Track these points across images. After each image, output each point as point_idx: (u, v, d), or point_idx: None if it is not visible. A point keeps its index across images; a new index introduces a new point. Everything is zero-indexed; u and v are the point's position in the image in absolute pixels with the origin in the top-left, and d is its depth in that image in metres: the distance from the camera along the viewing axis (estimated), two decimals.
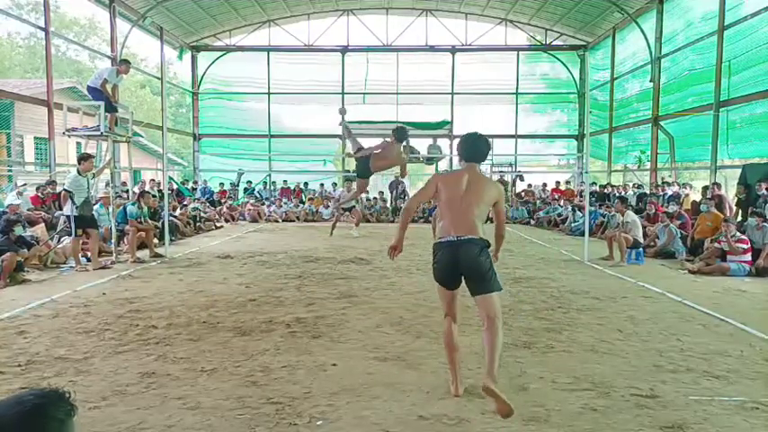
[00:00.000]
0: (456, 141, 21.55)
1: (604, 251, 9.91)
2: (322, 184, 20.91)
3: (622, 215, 9.85)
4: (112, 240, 9.49)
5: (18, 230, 8.13)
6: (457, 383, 3.69)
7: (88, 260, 8.74)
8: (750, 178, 11.03)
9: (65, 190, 8.78)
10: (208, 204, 17.30)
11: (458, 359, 3.76)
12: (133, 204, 10.12)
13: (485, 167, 20.20)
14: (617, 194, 14.84)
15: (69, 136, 10.16)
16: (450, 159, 22.23)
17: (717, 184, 11.77)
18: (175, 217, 13.06)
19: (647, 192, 14.77)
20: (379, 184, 20.07)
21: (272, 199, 19.65)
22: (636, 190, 15.60)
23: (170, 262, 9.35)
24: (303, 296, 6.61)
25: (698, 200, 12.22)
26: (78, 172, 8.69)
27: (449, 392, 3.66)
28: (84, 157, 8.88)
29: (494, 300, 3.47)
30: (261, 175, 21.62)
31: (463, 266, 3.50)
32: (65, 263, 8.96)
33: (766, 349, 4.64)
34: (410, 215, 3.87)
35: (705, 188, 12.07)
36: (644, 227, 10.56)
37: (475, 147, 3.78)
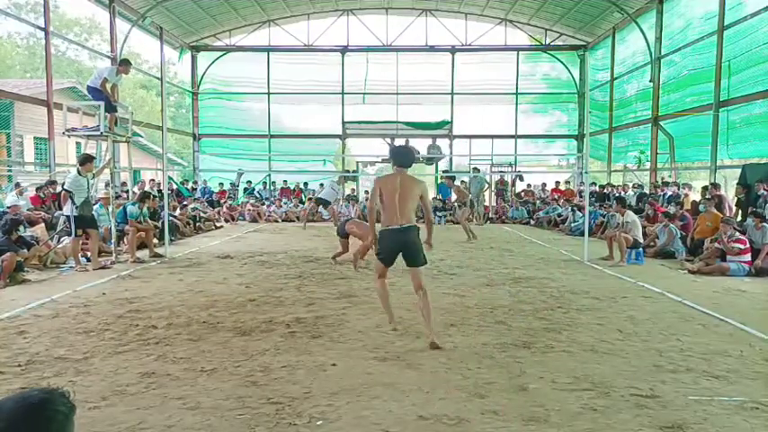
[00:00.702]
0: (455, 141, 21.78)
1: (604, 251, 9.92)
2: (321, 184, 20.88)
3: (622, 215, 9.85)
4: (112, 240, 9.49)
5: (18, 230, 8.12)
6: (392, 319, 5.14)
7: (88, 260, 8.74)
8: (750, 178, 11.03)
9: (65, 190, 8.77)
10: (207, 204, 17.30)
11: (390, 303, 5.16)
12: (133, 204, 10.12)
13: (485, 167, 20.28)
14: (616, 195, 14.85)
15: (69, 136, 10.16)
16: (451, 159, 22.26)
17: (716, 185, 11.76)
18: (175, 217, 13.06)
19: (647, 192, 14.76)
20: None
21: (272, 199, 19.65)
22: (636, 190, 15.59)
23: (170, 262, 9.34)
24: (303, 296, 6.61)
25: (698, 200, 12.22)
26: (78, 172, 8.68)
27: (449, 392, 3.66)
28: (85, 158, 8.89)
29: (421, 271, 4.88)
30: (261, 175, 21.63)
31: (404, 246, 4.82)
32: (65, 263, 8.96)
33: (766, 349, 4.64)
34: (373, 213, 5.17)
35: (705, 188, 12.07)
36: (644, 227, 10.56)
37: (404, 156, 5.06)
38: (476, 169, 19.72)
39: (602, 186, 17.44)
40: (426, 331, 4.70)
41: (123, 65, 10.12)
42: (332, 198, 15.53)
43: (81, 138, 10.27)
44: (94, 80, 9.91)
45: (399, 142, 20.49)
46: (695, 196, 13.75)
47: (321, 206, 15.72)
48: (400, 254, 4.87)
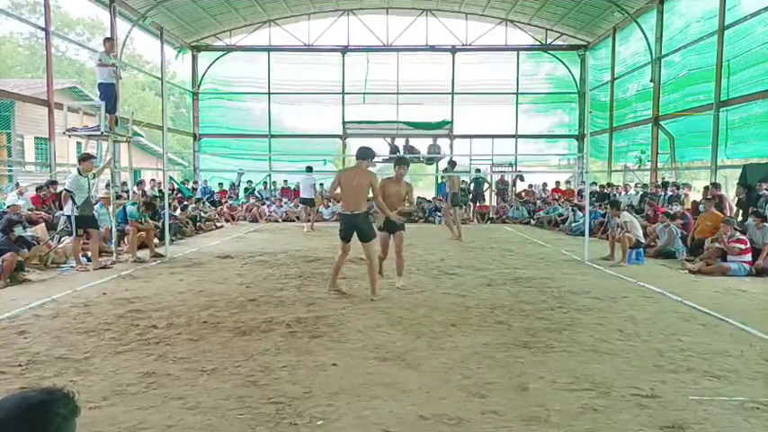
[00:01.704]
0: (456, 141, 21.78)
1: (605, 251, 9.91)
2: (321, 184, 20.88)
3: (618, 218, 9.84)
4: (113, 240, 9.50)
5: (18, 230, 8.13)
6: (333, 286, 6.73)
7: (89, 260, 8.74)
8: (750, 178, 11.01)
9: (65, 190, 8.78)
10: (208, 204, 17.30)
11: (338, 274, 6.84)
12: (133, 204, 10.12)
13: (485, 167, 20.29)
14: (613, 196, 14.83)
15: (70, 136, 10.17)
16: (451, 159, 22.25)
17: (716, 185, 11.76)
18: (176, 217, 13.07)
19: (649, 192, 14.74)
20: None
21: (273, 199, 19.66)
22: (639, 189, 15.50)
23: (170, 262, 9.35)
24: (303, 296, 6.62)
25: (698, 200, 12.21)
26: (79, 172, 8.69)
27: (449, 392, 3.66)
28: (84, 158, 8.90)
29: (370, 245, 6.46)
30: (261, 175, 21.63)
31: (355, 227, 6.38)
32: (65, 263, 8.96)
33: (766, 349, 4.64)
34: (336, 197, 6.81)
35: (706, 188, 12.06)
36: (644, 227, 10.56)
37: (361, 152, 6.53)
38: (477, 170, 19.77)
39: (602, 186, 17.43)
40: (369, 292, 6.56)
41: (106, 43, 10.51)
42: (312, 194, 15.34)
43: (81, 138, 10.28)
44: (100, 76, 10.10)
45: (400, 142, 20.53)
46: (695, 196, 13.74)
47: (308, 206, 15.50)
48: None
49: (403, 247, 7.27)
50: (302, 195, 15.70)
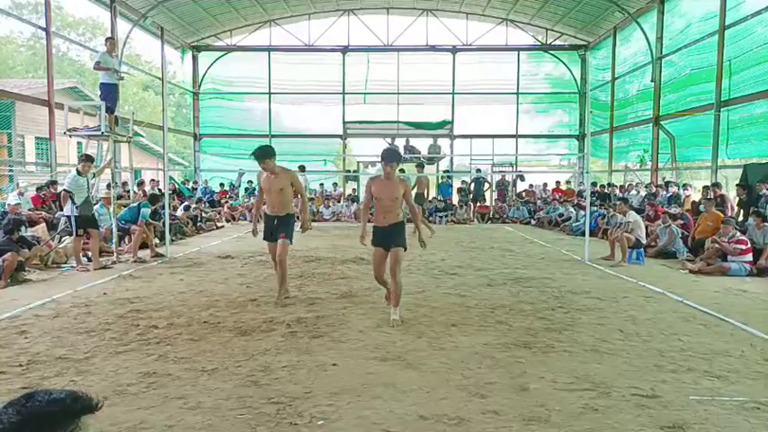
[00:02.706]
0: (456, 141, 21.78)
1: (605, 251, 9.91)
2: (322, 184, 20.91)
3: (624, 215, 9.84)
4: (113, 240, 9.50)
5: (19, 230, 8.13)
6: (280, 293, 6.31)
7: (89, 260, 8.74)
8: (751, 178, 11.01)
9: (64, 190, 8.80)
10: (207, 204, 17.30)
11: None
12: (146, 206, 10.08)
13: (485, 167, 20.29)
14: (618, 195, 14.81)
15: (70, 136, 10.18)
16: (451, 159, 22.26)
17: (717, 185, 11.75)
18: (176, 217, 13.07)
19: (650, 192, 14.70)
20: None
21: None
22: (645, 190, 15.39)
23: (171, 262, 9.35)
24: (304, 296, 6.62)
25: (698, 200, 12.20)
26: (78, 172, 8.71)
27: (449, 392, 3.67)
28: (84, 158, 8.92)
29: (286, 244, 6.30)
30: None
31: (277, 227, 6.34)
32: (65, 263, 8.97)
33: (767, 349, 4.64)
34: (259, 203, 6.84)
35: (705, 188, 12.06)
36: (645, 227, 10.55)
37: (259, 150, 6.12)
38: (478, 170, 19.77)
39: (603, 186, 17.42)
40: (276, 293, 6.37)
41: (106, 43, 10.62)
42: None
43: (82, 138, 10.30)
44: (102, 76, 10.14)
45: (400, 142, 20.54)
46: (695, 196, 13.72)
47: None
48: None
49: (401, 267, 5.58)
50: None
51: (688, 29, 14.86)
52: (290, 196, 6.30)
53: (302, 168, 16.05)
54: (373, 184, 5.53)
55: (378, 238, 5.54)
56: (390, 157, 5.43)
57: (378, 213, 5.53)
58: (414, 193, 13.11)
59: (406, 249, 5.49)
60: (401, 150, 19.65)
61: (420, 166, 14.94)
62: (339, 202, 19.10)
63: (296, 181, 6.36)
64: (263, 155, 6.06)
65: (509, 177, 20.65)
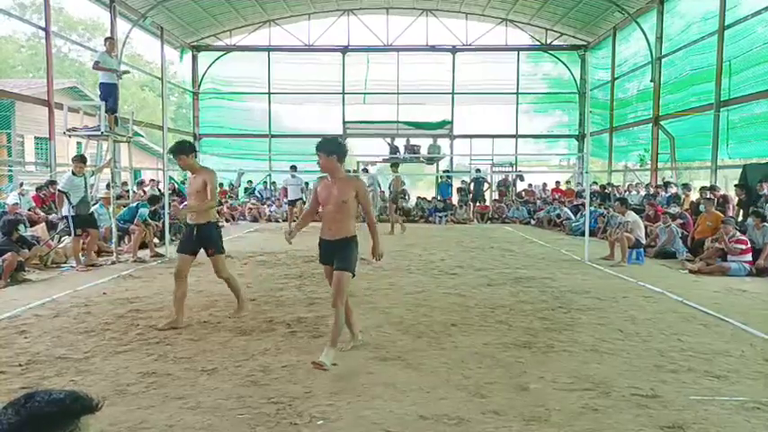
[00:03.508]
0: (456, 141, 21.78)
1: (605, 251, 9.91)
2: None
3: (623, 215, 9.85)
4: (113, 240, 9.50)
5: (18, 230, 8.13)
6: (179, 317, 5.27)
7: None
8: (751, 178, 11.01)
9: (59, 191, 8.82)
10: None
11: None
12: (145, 206, 10.10)
13: (485, 167, 20.28)
14: (617, 195, 14.80)
15: (70, 136, 10.18)
16: (451, 159, 22.26)
17: (714, 187, 11.75)
18: (176, 218, 13.06)
19: (650, 192, 14.69)
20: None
21: (273, 199, 19.65)
22: (644, 190, 15.37)
23: (170, 262, 9.33)
24: (303, 296, 6.62)
25: (696, 200, 12.20)
26: (73, 172, 8.73)
27: (449, 392, 3.67)
28: (77, 159, 8.97)
29: (220, 259, 5.69)
30: (261, 174, 21.61)
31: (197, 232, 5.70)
32: (65, 262, 8.96)
33: (767, 349, 4.64)
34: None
35: (703, 188, 12.06)
36: (645, 227, 10.55)
37: (175, 146, 5.65)
38: (477, 170, 19.77)
39: (602, 186, 17.42)
40: (235, 307, 5.81)
41: (105, 42, 10.59)
42: (298, 195, 15.09)
43: (82, 138, 10.30)
44: (102, 76, 10.12)
45: (400, 142, 20.53)
46: (695, 196, 13.71)
47: (292, 206, 15.30)
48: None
49: (343, 298, 4.19)
50: (290, 197, 15.34)
51: (688, 29, 14.86)
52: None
53: (294, 168, 16.07)
54: (319, 186, 4.37)
55: (322, 254, 4.38)
56: (324, 146, 4.20)
57: (323, 222, 4.31)
58: (393, 191, 13.03)
59: (354, 275, 4.21)
60: (401, 150, 19.70)
61: (395, 166, 14.97)
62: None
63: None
64: (178, 150, 5.37)
65: (510, 178, 20.66)
